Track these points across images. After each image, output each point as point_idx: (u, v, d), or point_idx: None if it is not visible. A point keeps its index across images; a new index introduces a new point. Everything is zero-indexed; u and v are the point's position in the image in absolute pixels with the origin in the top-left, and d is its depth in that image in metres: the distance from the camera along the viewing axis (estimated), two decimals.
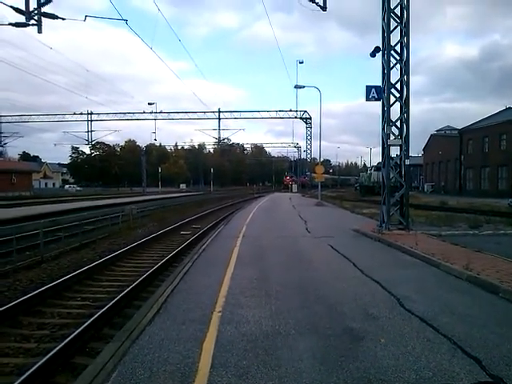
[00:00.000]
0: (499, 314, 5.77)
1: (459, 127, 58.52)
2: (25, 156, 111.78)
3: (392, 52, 14.11)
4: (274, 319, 5.47)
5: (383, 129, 14.36)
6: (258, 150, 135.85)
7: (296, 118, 58.75)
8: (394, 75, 14.20)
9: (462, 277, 7.75)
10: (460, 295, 6.73)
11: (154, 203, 33.92)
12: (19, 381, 4.43)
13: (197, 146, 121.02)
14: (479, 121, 53.28)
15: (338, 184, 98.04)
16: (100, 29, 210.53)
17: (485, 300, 6.48)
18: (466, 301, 6.41)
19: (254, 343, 4.67)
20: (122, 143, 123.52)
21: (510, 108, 51.41)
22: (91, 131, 60.54)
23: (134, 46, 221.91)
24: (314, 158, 69.96)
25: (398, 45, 14.14)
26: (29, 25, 16.12)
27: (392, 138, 14.22)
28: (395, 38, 14.11)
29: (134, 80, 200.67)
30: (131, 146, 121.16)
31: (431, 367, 4.03)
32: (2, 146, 72.40)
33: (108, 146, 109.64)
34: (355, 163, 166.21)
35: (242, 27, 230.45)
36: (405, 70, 14.09)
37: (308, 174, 70.04)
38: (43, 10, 16.07)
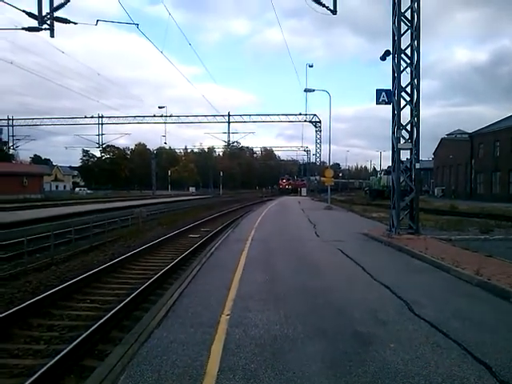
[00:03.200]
0: (510, 319, 5.71)
1: (470, 131, 58.18)
2: (36, 159, 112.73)
3: (402, 55, 14.04)
4: (282, 323, 5.46)
5: (393, 132, 14.30)
6: (268, 153, 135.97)
7: (305, 121, 58.90)
8: (405, 79, 14.15)
9: (473, 282, 7.68)
10: (470, 300, 6.66)
11: (164, 206, 34.03)
12: (28, 382, 4.46)
13: (206, 150, 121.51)
14: (490, 125, 52.90)
15: (348, 188, 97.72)
16: (113, 34, 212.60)
17: (495, 305, 6.41)
18: (476, 306, 6.35)
19: (263, 347, 4.66)
20: (133, 146, 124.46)
21: None
22: (102, 134, 61.21)
23: (146, 50, 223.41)
24: (324, 162, 69.97)
25: (409, 48, 14.08)
26: (41, 29, 16.29)
27: (402, 141, 14.14)
28: (405, 41, 14.07)
29: (146, 84, 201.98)
30: (141, 149, 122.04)
31: (441, 373, 4.00)
32: (14, 149, 73.23)
33: (118, 149, 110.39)
34: (365, 167, 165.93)
35: (253, 33, 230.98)
36: (415, 74, 14.03)
37: (314, 178, 69.94)
38: (56, 14, 16.26)
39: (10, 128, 62.79)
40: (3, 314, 6.64)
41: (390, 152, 14.74)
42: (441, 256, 9.84)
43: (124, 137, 70.98)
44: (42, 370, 4.76)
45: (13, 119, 62.08)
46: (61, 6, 16.09)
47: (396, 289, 7.24)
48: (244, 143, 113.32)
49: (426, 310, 6.02)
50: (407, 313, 5.93)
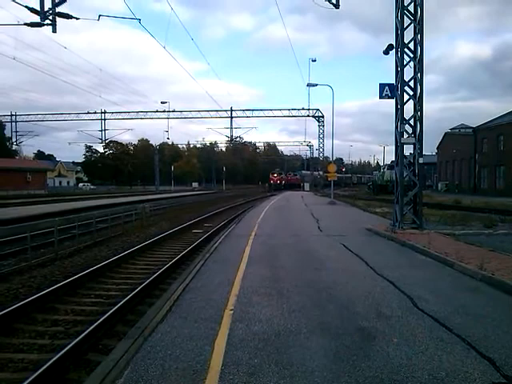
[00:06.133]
0: None
1: (474, 125, 57.91)
2: (39, 155, 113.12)
3: (405, 50, 13.99)
4: (285, 318, 5.46)
5: (397, 127, 14.26)
6: (271, 148, 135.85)
7: (308, 116, 58.70)
8: (408, 73, 14.11)
9: (477, 277, 7.67)
10: (474, 295, 6.65)
11: (167, 201, 34.08)
12: (33, 376, 4.48)
13: (209, 145, 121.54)
14: (494, 119, 52.61)
15: (351, 183, 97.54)
16: (116, 30, 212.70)
17: (499, 300, 6.40)
18: (480, 301, 6.34)
19: (266, 342, 4.67)
20: (135, 142, 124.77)
21: None
22: (105, 130, 61.22)
23: (149, 46, 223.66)
24: (327, 157, 69.82)
25: (412, 42, 14.02)
26: (43, 25, 16.29)
27: (405, 136, 14.11)
28: (409, 36, 14.00)
29: (149, 80, 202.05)
30: (144, 144, 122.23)
31: (444, 367, 4.00)
32: (17, 145, 73.47)
33: (121, 144, 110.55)
34: (368, 162, 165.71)
35: (256, 29, 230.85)
36: (418, 68, 13.96)
37: (317, 172, 69.86)
38: (58, 10, 16.25)
39: (14, 124, 62.92)
40: (8, 309, 6.68)
41: (394, 147, 14.72)
42: (444, 251, 9.83)
43: (127, 132, 71.58)
44: (47, 364, 4.79)
45: (16, 115, 62.18)
46: (63, 1, 16.09)
47: (399, 283, 7.24)
48: (247, 138, 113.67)
49: (430, 304, 6.02)
50: (410, 307, 5.93)
